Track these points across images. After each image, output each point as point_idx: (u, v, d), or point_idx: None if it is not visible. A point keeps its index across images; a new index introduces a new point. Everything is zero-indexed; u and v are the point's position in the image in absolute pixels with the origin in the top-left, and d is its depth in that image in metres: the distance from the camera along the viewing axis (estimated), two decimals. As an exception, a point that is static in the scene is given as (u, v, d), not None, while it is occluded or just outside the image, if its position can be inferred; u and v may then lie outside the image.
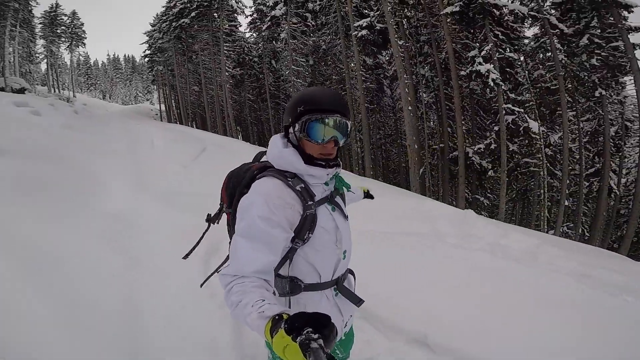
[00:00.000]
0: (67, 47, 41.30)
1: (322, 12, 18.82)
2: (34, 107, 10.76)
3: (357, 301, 1.24)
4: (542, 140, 12.43)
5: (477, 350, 2.05)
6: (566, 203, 13.75)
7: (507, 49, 11.79)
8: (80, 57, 61.95)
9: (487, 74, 10.79)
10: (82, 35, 41.58)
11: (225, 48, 23.42)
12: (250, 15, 24.02)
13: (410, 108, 12.34)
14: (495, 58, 11.33)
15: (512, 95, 12.45)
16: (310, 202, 1.09)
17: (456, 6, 11.10)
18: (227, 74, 23.41)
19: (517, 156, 13.17)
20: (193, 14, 24.50)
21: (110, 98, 68.15)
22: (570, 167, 14.06)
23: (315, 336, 0.68)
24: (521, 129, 11.70)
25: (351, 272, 1.36)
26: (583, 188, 14.17)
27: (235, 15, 25.28)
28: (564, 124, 12.44)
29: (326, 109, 1.09)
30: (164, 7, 28.36)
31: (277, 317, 0.79)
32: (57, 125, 9.49)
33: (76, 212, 4.23)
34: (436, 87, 15.06)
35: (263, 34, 22.47)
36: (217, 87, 25.29)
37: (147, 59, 35.01)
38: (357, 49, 14.55)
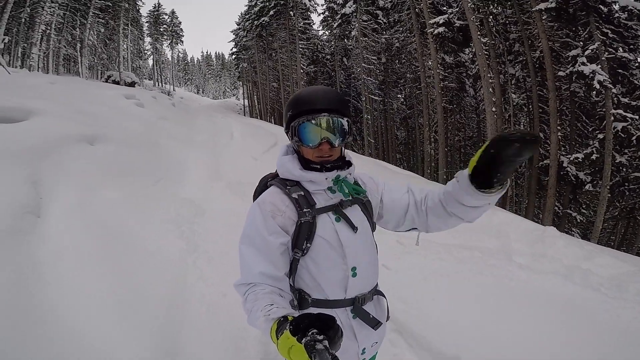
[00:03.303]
0: (169, 44, 47.03)
1: (395, 9, 18.38)
2: (139, 99, 12.43)
3: (374, 324, 1.09)
4: (661, 153, 10.33)
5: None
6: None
7: (620, 48, 9.97)
8: (179, 54, 69.69)
9: (591, 75, 9.28)
10: (180, 33, 47.11)
11: (300, 46, 24.46)
12: (322, 13, 24.53)
13: (494, 109, 11.29)
14: (603, 58, 9.69)
15: (625, 100, 10.54)
16: (305, 210, 1.03)
17: (552, 2, 9.72)
18: (301, 71, 24.34)
19: (625, 170, 11.15)
20: (272, 12, 26.19)
21: (202, 92, 75.74)
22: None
23: (321, 337, 0.68)
24: (634, 138, 9.83)
25: (381, 293, 1.21)
26: None
27: (309, 13, 26.24)
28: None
29: (313, 109, 1.02)
30: (246, 5, 31.10)
31: (282, 319, 0.81)
32: (156, 116, 10.83)
33: (158, 196, 4.81)
34: (529, 87, 13.55)
35: (334, 31, 22.74)
36: (293, 84, 26.48)
37: (233, 57, 38.24)
38: (434, 46, 13.76)
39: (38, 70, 22.35)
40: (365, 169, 9.55)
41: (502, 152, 0.83)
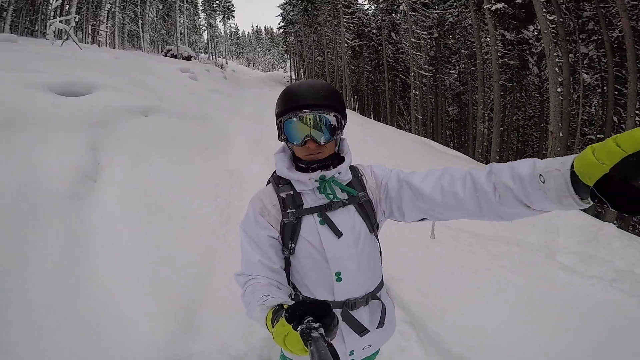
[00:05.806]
0: (221, 19, 48.87)
1: (448, -16, 16.86)
2: (193, 73, 13.02)
3: (360, 331, 1.05)
4: None
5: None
6: None
7: None
8: (232, 29, 72.02)
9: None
10: (232, 8, 48.83)
11: (344, 20, 23.82)
12: (369, -13, 23.31)
13: (560, 90, 10.21)
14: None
15: None
16: (290, 210, 1.02)
17: (634, -23, 8.31)
18: (345, 45, 23.84)
19: None
20: (317, -15, 25.42)
21: (253, 65, 77.46)
22: None
23: (316, 325, 0.67)
24: None
25: (379, 299, 1.12)
26: None
27: (354, -14, 25.23)
28: None
29: (297, 105, 0.97)
30: (293, -21, 30.39)
31: (277, 307, 0.82)
32: (207, 89, 11.29)
33: (202, 166, 5.05)
34: (604, 68, 12.00)
35: (381, 6, 21.66)
36: (337, 58, 26.11)
37: (281, 30, 38.57)
38: (492, 22, 12.58)
39: (106, 46, 24.42)
40: (408, 148, 9.17)
41: None
